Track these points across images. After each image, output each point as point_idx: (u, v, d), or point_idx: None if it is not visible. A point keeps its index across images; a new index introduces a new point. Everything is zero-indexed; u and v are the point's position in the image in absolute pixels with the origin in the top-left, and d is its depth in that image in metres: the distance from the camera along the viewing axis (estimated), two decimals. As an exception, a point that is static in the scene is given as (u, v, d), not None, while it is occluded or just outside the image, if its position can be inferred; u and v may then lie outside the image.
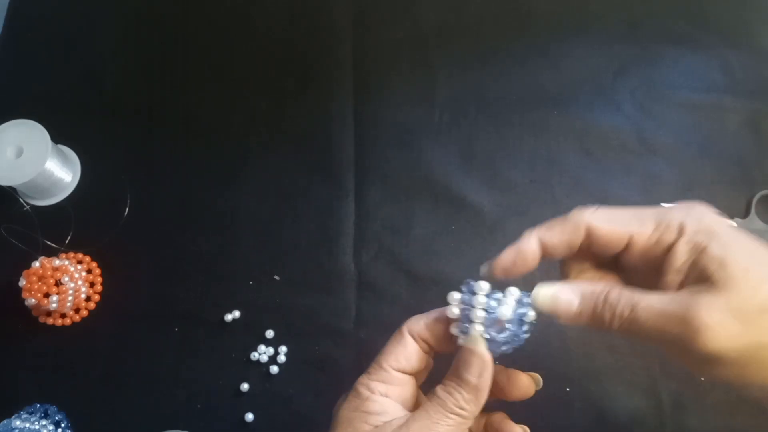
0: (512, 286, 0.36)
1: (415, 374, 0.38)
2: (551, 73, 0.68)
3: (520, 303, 0.35)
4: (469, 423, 0.34)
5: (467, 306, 0.36)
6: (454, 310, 0.36)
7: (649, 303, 0.32)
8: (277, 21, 0.72)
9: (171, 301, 0.60)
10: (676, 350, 0.31)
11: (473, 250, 0.61)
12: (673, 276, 0.33)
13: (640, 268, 0.35)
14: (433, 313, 0.38)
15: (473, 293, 0.36)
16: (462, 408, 0.34)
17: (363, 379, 0.37)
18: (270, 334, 0.59)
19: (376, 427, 0.34)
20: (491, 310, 0.35)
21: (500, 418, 0.38)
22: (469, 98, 0.67)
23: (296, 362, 0.58)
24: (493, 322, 0.35)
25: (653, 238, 0.34)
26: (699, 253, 0.32)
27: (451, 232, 0.62)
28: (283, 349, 0.58)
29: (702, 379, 0.56)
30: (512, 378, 0.37)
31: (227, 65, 0.70)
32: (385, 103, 0.67)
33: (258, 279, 0.61)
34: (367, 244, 0.62)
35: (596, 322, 0.33)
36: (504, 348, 0.36)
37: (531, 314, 0.35)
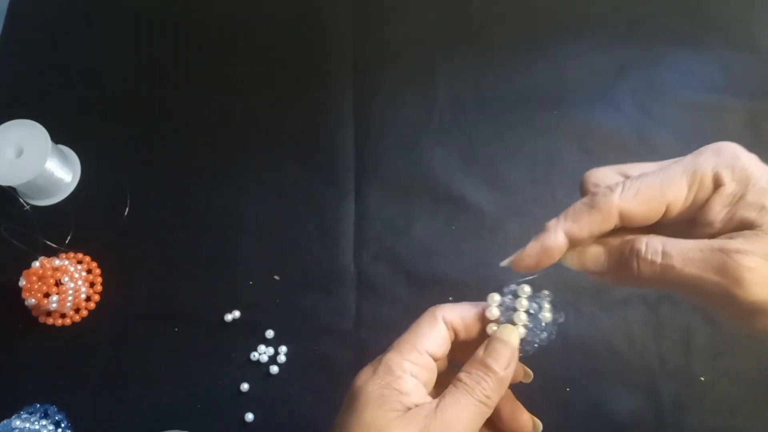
0: (544, 289, 0.37)
1: (438, 362, 0.38)
2: (551, 73, 0.68)
3: (552, 305, 0.37)
4: (490, 412, 0.34)
5: (509, 308, 0.37)
6: (495, 312, 0.37)
7: (684, 249, 0.30)
8: (277, 21, 0.72)
9: (171, 301, 0.60)
10: (715, 299, 0.30)
11: (473, 250, 0.61)
12: (707, 228, 0.32)
13: (671, 224, 0.34)
14: (466, 306, 0.38)
15: (516, 296, 0.37)
16: (488, 397, 0.34)
17: (394, 356, 0.36)
18: (270, 334, 0.59)
19: (408, 409, 0.34)
20: (533, 312, 0.36)
21: (512, 404, 0.38)
22: (469, 98, 0.67)
23: (296, 362, 0.58)
24: (536, 324, 0.36)
25: (689, 200, 0.32)
26: (737, 203, 0.31)
27: (451, 232, 0.62)
28: (283, 349, 0.58)
29: (702, 379, 0.56)
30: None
31: (227, 65, 0.70)
32: (385, 103, 0.67)
33: (258, 279, 0.61)
34: (367, 244, 0.62)
35: (625, 273, 0.32)
36: (535, 348, 0.37)
37: (562, 316, 0.37)
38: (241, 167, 0.65)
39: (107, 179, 0.65)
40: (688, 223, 0.33)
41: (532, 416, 0.38)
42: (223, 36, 0.71)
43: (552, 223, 0.35)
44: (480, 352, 0.35)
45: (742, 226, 0.30)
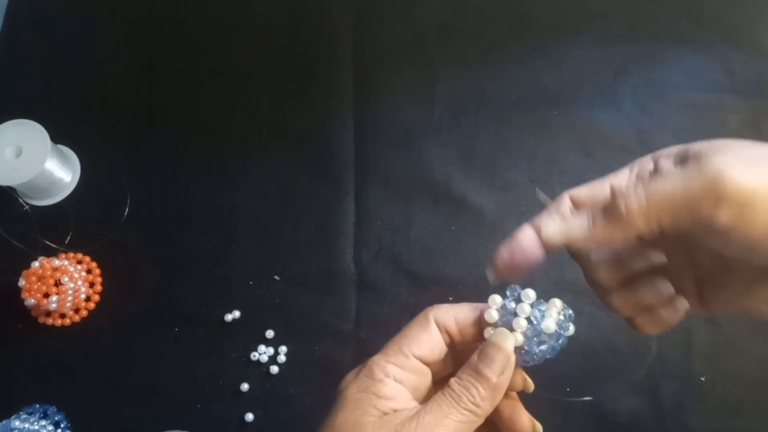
0: (556, 298, 0.36)
1: (432, 366, 0.36)
2: (551, 73, 0.68)
3: (561, 316, 0.35)
4: (481, 421, 0.33)
5: (509, 313, 0.35)
6: (494, 315, 0.35)
7: (663, 176, 0.30)
8: (277, 21, 0.72)
9: (171, 301, 0.60)
10: (702, 208, 0.28)
11: (473, 250, 0.61)
12: None
13: None
14: (464, 307, 0.37)
15: (518, 301, 0.35)
16: (477, 405, 0.32)
17: (379, 359, 0.35)
18: (270, 334, 0.59)
19: (385, 414, 0.32)
20: (535, 320, 0.34)
21: (512, 404, 0.37)
22: (469, 98, 0.67)
23: (296, 362, 0.58)
24: (536, 334, 0.34)
25: (633, 177, 0.34)
26: (682, 155, 0.32)
27: (451, 232, 0.62)
28: (283, 349, 0.58)
29: (702, 379, 0.56)
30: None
31: (227, 65, 0.70)
32: (385, 103, 0.67)
33: (258, 279, 0.61)
34: (367, 244, 0.62)
35: (615, 221, 0.30)
36: (536, 359, 0.35)
37: (571, 329, 0.35)
38: (241, 167, 0.65)
39: (107, 179, 0.65)
40: None
41: (532, 419, 0.37)
42: (223, 36, 0.71)
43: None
44: (474, 357, 0.34)
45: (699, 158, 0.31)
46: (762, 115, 0.65)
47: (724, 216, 0.28)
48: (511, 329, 0.34)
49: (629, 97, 0.67)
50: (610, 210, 0.30)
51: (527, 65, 0.68)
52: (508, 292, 0.35)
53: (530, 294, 0.35)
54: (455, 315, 0.36)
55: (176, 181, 0.65)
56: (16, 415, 0.55)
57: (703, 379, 0.56)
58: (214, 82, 0.69)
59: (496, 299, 0.35)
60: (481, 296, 0.60)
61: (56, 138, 0.63)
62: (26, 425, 0.53)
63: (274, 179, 0.65)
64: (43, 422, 0.54)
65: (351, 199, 0.63)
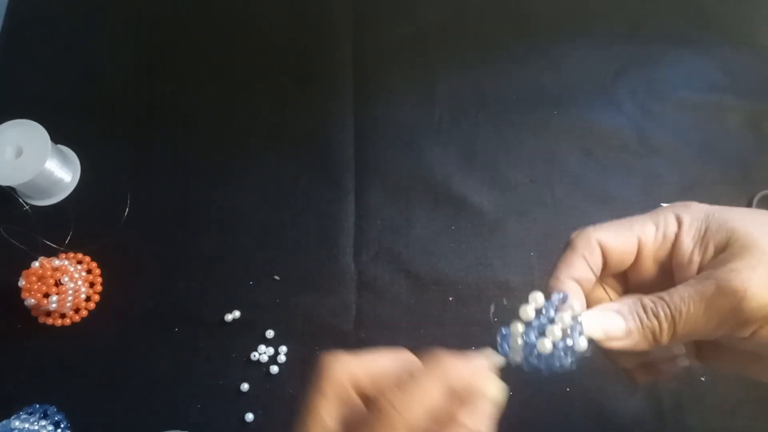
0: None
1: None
2: (551, 73, 0.68)
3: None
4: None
5: (547, 318, 0.33)
6: (530, 313, 0.33)
7: (682, 293, 0.31)
8: (277, 21, 0.72)
9: (171, 301, 0.60)
10: (728, 327, 0.31)
11: (473, 250, 0.61)
12: (688, 267, 0.33)
13: (652, 277, 0.35)
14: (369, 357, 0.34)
15: (562, 309, 0.33)
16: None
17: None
18: (270, 334, 0.59)
19: None
20: (570, 333, 0.32)
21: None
22: (469, 98, 0.67)
23: (296, 362, 0.58)
24: (566, 348, 0.32)
25: (659, 236, 0.35)
26: (704, 233, 0.33)
27: (451, 232, 0.62)
28: (283, 349, 0.58)
29: (702, 379, 0.56)
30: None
31: (227, 65, 0.70)
32: (385, 103, 0.67)
33: (258, 279, 0.61)
34: (367, 244, 0.62)
35: (648, 335, 0.32)
36: (542, 370, 0.33)
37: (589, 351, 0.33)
38: (241, 167, 0.65)
39: (107, 179, 0.65)
40: (668, 272, 0.35)
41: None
42: (223, 36, 0.71)
43: (553, 279, 0.35)
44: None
45: (720, 252, 0.32)
46: (762, 115, 0.65)
47: (747, 332, 0.31)
48: (543, 335, 0.33)
49: (629, 98, 0.67)
50: (647, 328, 0.32)
51: (527, 65, 0.68)
52: (554, 297, 0.33)
53: (576, 307, 0.33)
54: (367, 364, 0.34)
55: (176, 181, 0.65)
56: (16, 415, 0.55)
57: (703, 379, 0.56)
58: (214, 82, 0.69)
59: (537, 298, 0.33)
60: (481, 296, 0.60)
61: (56, 138, 0.63)
62: (26, 425, 0.53)
63: (274, 179, 0.65)
64: (43, 422, 0.54)
65: (351, 199, 0.63)
